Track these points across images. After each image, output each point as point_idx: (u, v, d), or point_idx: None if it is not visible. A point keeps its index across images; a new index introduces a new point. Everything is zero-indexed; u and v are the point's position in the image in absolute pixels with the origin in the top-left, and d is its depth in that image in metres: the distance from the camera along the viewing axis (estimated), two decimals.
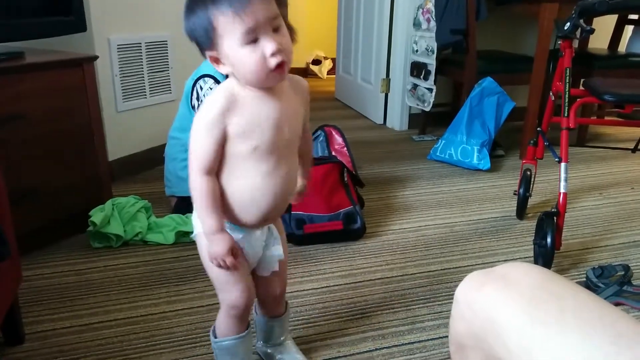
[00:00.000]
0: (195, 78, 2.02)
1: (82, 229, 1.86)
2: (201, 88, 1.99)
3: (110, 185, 2.05)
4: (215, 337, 1.13)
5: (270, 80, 0.90)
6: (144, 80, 2.51)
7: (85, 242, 1.86)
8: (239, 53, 0.86)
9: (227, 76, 2.09)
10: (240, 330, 1.12)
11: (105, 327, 1.43)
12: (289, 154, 1.00)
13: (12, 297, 1.29)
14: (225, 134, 0.93)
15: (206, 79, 1.99)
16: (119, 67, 2.38)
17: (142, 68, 2.50)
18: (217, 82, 1.98)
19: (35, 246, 1.80)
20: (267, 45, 0.85)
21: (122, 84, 2.41)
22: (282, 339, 1.28)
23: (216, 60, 0.91)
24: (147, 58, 2.50)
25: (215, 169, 0.96)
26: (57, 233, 1.88)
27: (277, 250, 1.10)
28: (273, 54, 0.85)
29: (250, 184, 0.98)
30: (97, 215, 1.81)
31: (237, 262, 0.99)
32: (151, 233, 1.90)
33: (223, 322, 1.11)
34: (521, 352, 0.56)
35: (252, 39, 0.85)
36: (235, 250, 0.98)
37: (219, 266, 0.98)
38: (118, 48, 2.35)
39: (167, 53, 2.59)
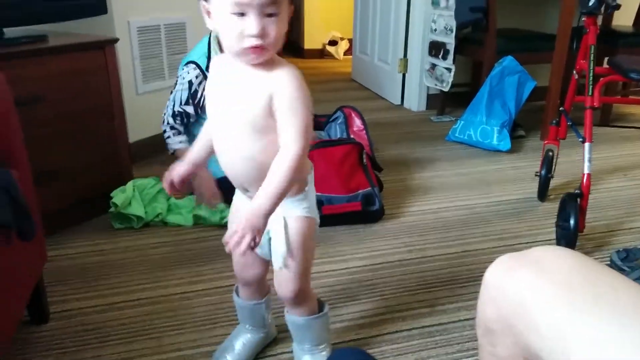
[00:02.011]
0: (184, 62, 1.96)
1: (104, 210, 1.88)
2: (182, 77, 1.93)
3: (130, 166, 2.07)
4: (236, 293, 1.26)
5: (242, 57, 0.90)
6: (163, 62, 2.51)
7: (107, 223, 1.89)
8: (223, 18, 0.86)
9: (208, 66, 2.00)
10: (244, 297, 1.23)
11: (128, 306, 1.46)
12: (236, 138, 0.96)
13: (38, 276, 1.31)
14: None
15: (189, 65, 1.93)
16: (139, 50, 2.38)
17: (162, 50, 2.50)
18: (200, 69, 1.92)
19: (59, 227, 1.83)
20: (249, 26, 0.84)
21: (141, 66, 2.41)
22: (305, 346, 1.19)
23: (207, 12, 0.90)
24: (166, 40, 2.50)
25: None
26: (79, 214, 1.91)
27: (278, 246, 1.04)
28: (250, 35, 0.85)
29: (215, 149, 1.04)
30: (118, 197, 1.83)
31: (171, 188, 1.08)
32: (171, 214, 1.91)
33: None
34: (554, 338, 0.55)
35: (239, 11, 0.84)
36: (171, 174, 1.07)
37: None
38: (138, 30, 2.35)
39: (185, 35, 2.58)
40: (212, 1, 0.87)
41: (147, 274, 1.61)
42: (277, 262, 1.06)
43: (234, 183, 1.05)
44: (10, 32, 1.71)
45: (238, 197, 1.10)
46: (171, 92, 1.97)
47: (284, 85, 0.90)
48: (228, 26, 0.85)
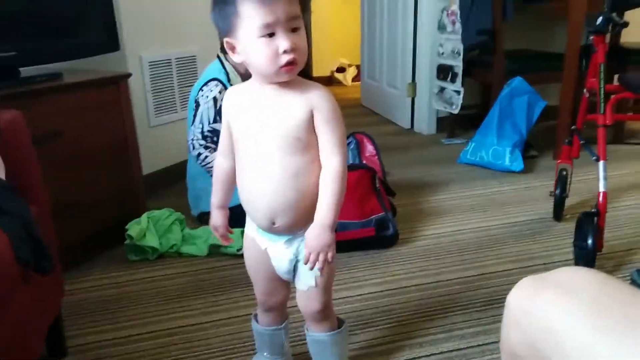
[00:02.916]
0: (201, 84, 1.99)
1: (119, 242, 1.89)
2: (206, 96, 1.96)
3: (144, 198, 2.09)
4: (255, 320, 1.25)
5: (278, 77, 0.93)
6: (174, 95, 2.56)
7: (122, 255, 1.90)
8: (254, 43, 0.90)
9: (229, 79, 2.00)
10: (264, 323, 1.22)
11: (144, 339, 1.45)
12: (278, 156, 0.97)
13: (56, 311, 1.32)
14: (229, 123, 1.03)
15: (210, 83, 1.95)
16: (151, 83, 2.43)
17: (173, 83, 2.54)
18: (223, 84, 1.96)
19: (75, 260, 1.84)
20: (282, 43, 0.89)
21: (154, 99, 2.46)
22: None
23: (232, 48, 0.94)
24: (177, 73, 2.55)
25: (228, 153, 1.07)
26: (94, 247, 1.92)
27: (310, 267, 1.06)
28: (285, 52, 0.89)
29: (240, 180, 1.04)
30: (133, 229, 1.84)
31: (225, 238, 1.14)
32: (185, 245, 1.92)
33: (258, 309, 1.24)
34: None
35: (269, 32, 0.88)
36: (219, 229, 1.12)
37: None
38: (149, 65, 2.40)
39: (196, 67, 2.63)
40: (239, 33, 0.90)
41: (163, 305, 1.61)
42: (306, 283, 1.09)
43: (259, 214, 1.03)
44: (25, 71, 1.76)
45: (252, 229, 1.10)
46: (194, 117, 1.97)
47: (323, 101, 0.96)
48: (260, 50, 0.90)
